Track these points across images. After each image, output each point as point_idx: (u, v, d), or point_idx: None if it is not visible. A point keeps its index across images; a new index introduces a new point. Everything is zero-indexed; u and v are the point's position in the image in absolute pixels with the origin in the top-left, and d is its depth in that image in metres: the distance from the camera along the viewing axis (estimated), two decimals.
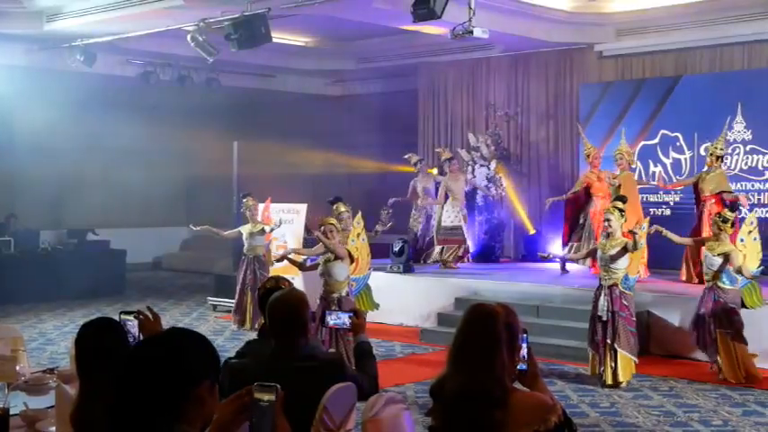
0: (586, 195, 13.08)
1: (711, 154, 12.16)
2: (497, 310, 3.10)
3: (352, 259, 9.66)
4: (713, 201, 11.75)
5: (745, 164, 13.15)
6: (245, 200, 12.93)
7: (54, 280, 15.35)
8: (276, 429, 2.51)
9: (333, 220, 9.65)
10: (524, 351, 3.15)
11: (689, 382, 9.34)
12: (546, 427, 2.82)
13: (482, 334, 3.01)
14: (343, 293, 9.46)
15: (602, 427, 7.72)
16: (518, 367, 3.10)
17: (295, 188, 16.01)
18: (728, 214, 9.53)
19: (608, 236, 9.24)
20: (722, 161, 12.22)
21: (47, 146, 17.03)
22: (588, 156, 13.10)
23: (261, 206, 13.28)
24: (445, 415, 3.01)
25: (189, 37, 12.92)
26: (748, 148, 13.15)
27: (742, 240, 9.72)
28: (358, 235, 10.29)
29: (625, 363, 9.06)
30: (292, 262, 10.98)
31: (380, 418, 3.99)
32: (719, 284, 9.30)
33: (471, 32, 10.97)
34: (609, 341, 9.01)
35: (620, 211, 9.25)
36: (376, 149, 17.79)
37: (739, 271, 9.27)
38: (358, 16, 13.43)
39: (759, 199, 13.03)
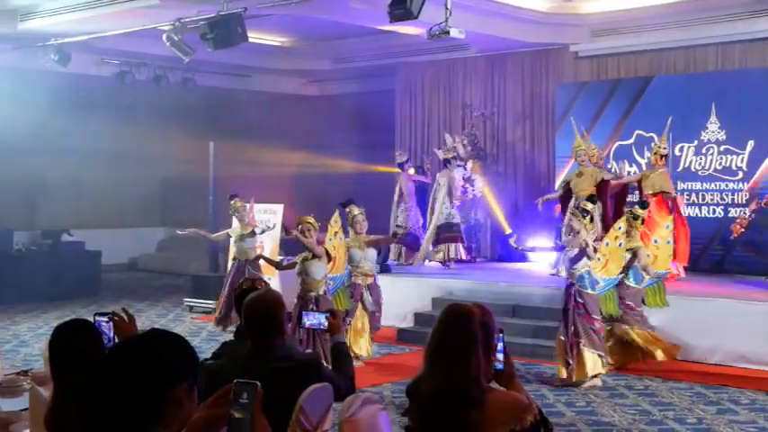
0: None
1: (655, 153, 12.33)
2: (473, 309, 3.11)
3: (329, 258, 9.67)
4: (654, 200, 11.87)
5: (720, 164, 13.24)
6: (232, 201, 12.52)
7: (28, 281, 15.22)
8: (255, 428, 2.50)
9: (310, 219, 9.67)
10: (500, 351, 3.15)
11: (664, 381, 9.40)
12: (522, 426, 2.83)
13: (458, 334, 3.02)
14: (321, 292, 9.49)
15: (578, 427, 7.75)
16: (494, 367, 3.10)
17: (272, 188, 15.96)
18: (639, 211, 9.72)
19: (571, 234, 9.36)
20: (666, 160, 12.46)
21: (21, 146, 16.90)
22: (578, 156, 12.93)
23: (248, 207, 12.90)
24: (421, 415, 3.01)
25: (164, 36, 12.85)
26: (722, 148, 13.24)
27: (656, 242, 9.87)
28: (335, 234, 10.27)
29: (588, 361, 9.07)
30: (269, 261, 10.99)
31: (357, 419, 3.99)
32: (624, 281, 9.55)
33: (448, 33, 10.99)
34: (562, 338, 9.11)
35: (584, 211, 9.25)
36: (353, 149, 17.78)
37: (645, 269, 9.50)
38: (334, 16, 13.42)
39: (733, 199, 13.13)
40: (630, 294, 9.68)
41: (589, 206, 9.41)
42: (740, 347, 9.96)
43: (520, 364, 9.40)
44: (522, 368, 9.53)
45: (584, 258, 9.04)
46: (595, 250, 9.06)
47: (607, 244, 9.42)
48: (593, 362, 9.07)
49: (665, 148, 12.31)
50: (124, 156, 19.12)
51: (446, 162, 14.67)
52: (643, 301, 9.87)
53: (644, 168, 13.57)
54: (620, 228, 9.53)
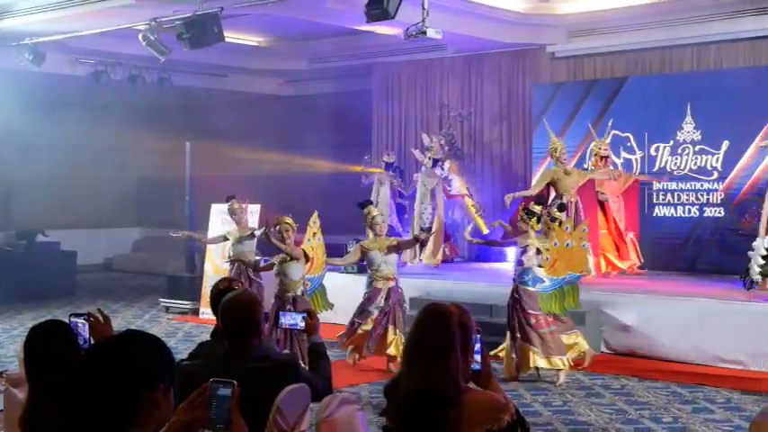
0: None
1: (596, 154, 12.46)
2: (451, 309, 3.11)
3: (307, 259, 9.66)
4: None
5: (695, 164, 13.33)
6: (229, 203, 12.04)
7: (2, 282, 15.11)
8: (232, 426, 2.50)
9: (288, 220, 9.63)
10: (478, 352, 3.15)
11: (640, 380, 9.45)
12: (499, 425, 2.83)
13: (436, 333, 3.02)
14: (299, 293, 9.48)
15: (554, 426, 7.77)
16: (471, 367, 3.10)
17: (249, 189, 15.90)
18: (556, 213, 9.72)
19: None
20: (607, 162, 12.75)
21: None
22: (596, 154, 12.91)
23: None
24: (399, 415, 3.01)
25: (140, 36, 12.79)
26: (697, 148, 13.33)
27: (566, 245, 9.70)
28: (314, 234, 10.24)
29: (528, 355, 9.21)
30: (246, 264, 10.99)
31: (334, 419, 3.98)
32: (522, 285, 9.39)
33: (425, 33, 11.00)
34: (508, 333, 9.41)
35: (529, 213, 9.39)
36: (330, 150, 17.76)
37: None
38: (311, 16, 13.40)
39: (708, 199, 13.21)
40: (530, 299, 9.73)
41: (557, 214, 9.66)
42: (715, 347, 10.03)
43: (497, 364, 9.43)
44: (499, 368, 9.55)
45: (526, 257, 9.31)
46: (543, 251, 9.28)
47: (555, 244, 9.50)
48: (532, 357, 9.20)
49: (605, 150, 12.52)
50: (100, 156, 19.02)
51: (435, 162, 14.81)
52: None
53: (620, 168, 13.64)
54: (567, 228, 9.62)
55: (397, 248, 10.09)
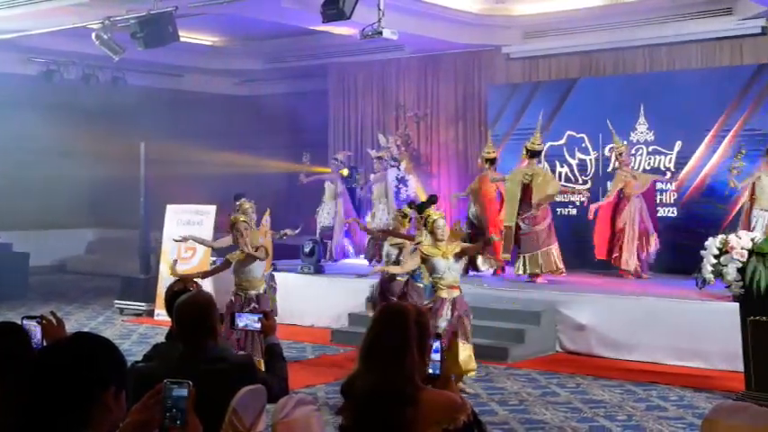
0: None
1: (620, 154, 12.59)
2: (408, 308, 3.11)
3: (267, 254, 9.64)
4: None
5: (648, 164, 13.47)
6: (238, 202, 10.95)
7: None
8: (187, 427, 2.48)
9: (243, 218, 9.57)
10: (436, 351, 3.16)
11: (595, 379, 9.53)
12: (455, 425, 2.84)
13: (393, 332, 3.02)
14: (261, 291, 9.39)
15: (511, 425, 7.81)
16: (429, 371, 3.10)
17: (204, 189, 15.82)
18: (407, 210, 10.20)
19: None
20: (625, 161, 12.76)
21: None
22: (620, 154, 12.83)
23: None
24: (356, 413, 3.01)
25: (94, 35, 12.63)
26: (651, 149, 13.48)
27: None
28: (265, 233, 10.22)
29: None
30: (195, 275, 10.78)
31: (291, 420, 3.97)
32: (411, 281, 9.97)
33: (381, 33, 11.00)
34: None
35: (404, 215, 9.95)
36: (286, 150, 17.71)
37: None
38: (266, 16, 13.35)
39: (661, 198, 13.35)
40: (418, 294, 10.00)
41: (408, 210, 10.21)
42: (669, 345, 10.15)
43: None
44: None
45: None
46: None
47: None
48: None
49: (539, 144, 12.67)
50: (52, 156, 18.76)
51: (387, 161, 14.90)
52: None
53: (575, 169, 13.79)
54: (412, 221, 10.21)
55: (463, 254, 9.15)
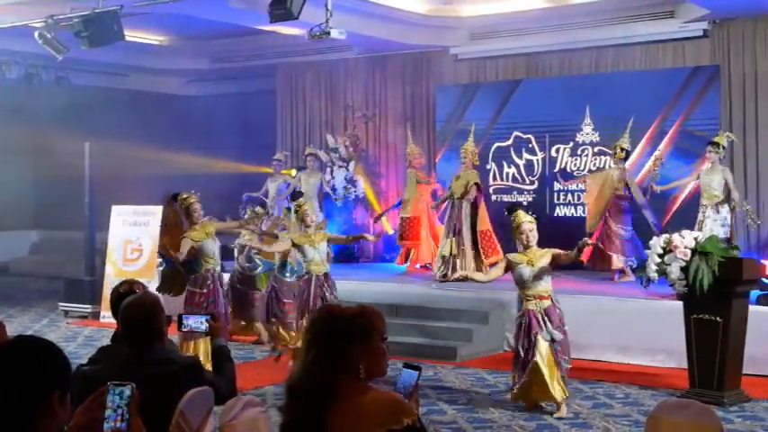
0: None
1: (464, 157, 12.77)
2: (341, 309, 3.13)
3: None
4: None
5: (594, 165, 13.63)
6: (295, 202, 10.18)
7: None
8: (131, 429, 2.46)
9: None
10: (407, 382, 3.20)
11: None
12: (399, 426, 2.84)
13: (324, 333, 3.04)
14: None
15: (459, 424, 7.85)
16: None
17: (150, 189, 15.65)
18: (259, 210, 11.09)
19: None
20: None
21: None
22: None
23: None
24: (291, 412, 3.03)
25: (36, 34, 12.42)
26: (596, 149, 13.65)
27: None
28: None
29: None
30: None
31: (238, 422, 3.95)
32: (278, 275, 10.74)
33: (328, 33, 10.98)
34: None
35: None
36: (234, 150, 17.62)
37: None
38: (213, 15, 13.26)
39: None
40: (285, 290, 10.71)
41: (260, 210, 11.03)
42: (614, 343, 10.27)
43: (402, 364, 9.46)
44: None
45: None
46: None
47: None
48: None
49: (473, 153, 12.91)
50: None
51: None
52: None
53: (522, 170, 13.91)
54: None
55: (555, 262, 8.22)
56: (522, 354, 8.11)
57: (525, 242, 8.16)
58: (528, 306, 8.14)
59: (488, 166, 14.22)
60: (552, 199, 13.96)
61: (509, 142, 14.36)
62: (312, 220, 9.77)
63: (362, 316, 3.11)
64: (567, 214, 13.73)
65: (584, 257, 11.82)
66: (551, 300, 8.13)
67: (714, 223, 10.95)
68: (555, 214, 13.89)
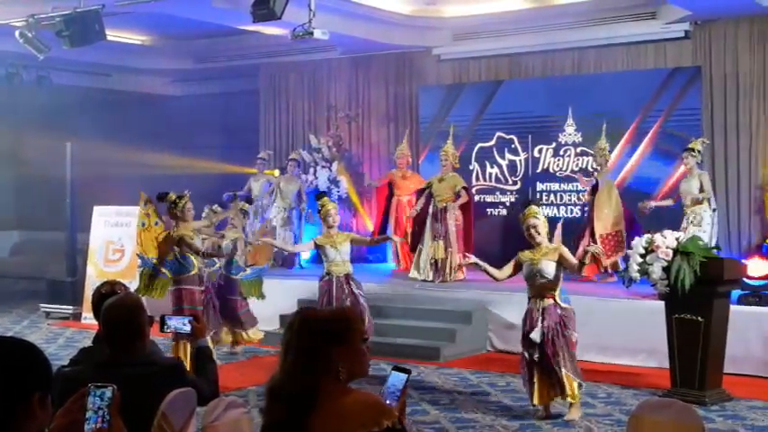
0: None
1: (445, 159, 12.78)
2: (322, 312, 3.15)
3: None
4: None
5: (576, 165, 13.67)
6: (320, 200, 9.88)
7: None
8: (112, 431, 2.45)
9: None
10: (392, 391, 3.19)
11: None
12: (379, 428, 2.85)
13: (303, 334, 3.05)
14: None
15: (442, 424, 7.85)
16: (386, 401, 3.13)
17: (132, 190, 15.57)
18: (245, 206, 11.47)
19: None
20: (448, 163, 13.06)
21: None
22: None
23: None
24: (271, 414, 3.04)
25: (17, 33, 12.35)
26: (579, 150, 13.68)
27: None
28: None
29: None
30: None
31: (220, 423, 3.94)
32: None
33: (311, 34, 10.97)
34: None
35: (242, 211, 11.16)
36: (217, 150, 17.57)
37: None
38: (196, 15, 13.22)
39: (584, 196, 13.54)
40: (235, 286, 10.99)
41: (246, 206, 11.31)
42: (596, 343, 10.28)
43: (385, 364, 9.47)
44: (387, 368, 9.60)
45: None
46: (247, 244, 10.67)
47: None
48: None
49: (453, 155, 13.01)
50: None
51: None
52: (241, 293, 11.11)
53: (504, 170, 13.96)
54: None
55: (563, 263, 7.98)
56: (524, 354, 8.07)
57: (529, 238, 7.99)
58: (528, 305, 8.10)
59: (471, 167, 14.24)
60: (535, 198, 13.97)
61: (492, 143, 14.39)
62: (335, 220, 9.62)
63: (340, 317, 3.12)
64: (550, 215, 13.75)
65: (589, 273, 11.65)
66: (554, 300, 7.93)
67: (697, 228, 10.96)
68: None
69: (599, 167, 12.39)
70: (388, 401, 3.13)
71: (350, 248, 9.72)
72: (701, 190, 11.21)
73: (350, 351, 3.04)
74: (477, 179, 14.38)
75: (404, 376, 3.23)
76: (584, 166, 13.54)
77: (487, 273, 8.31)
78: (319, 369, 2.98)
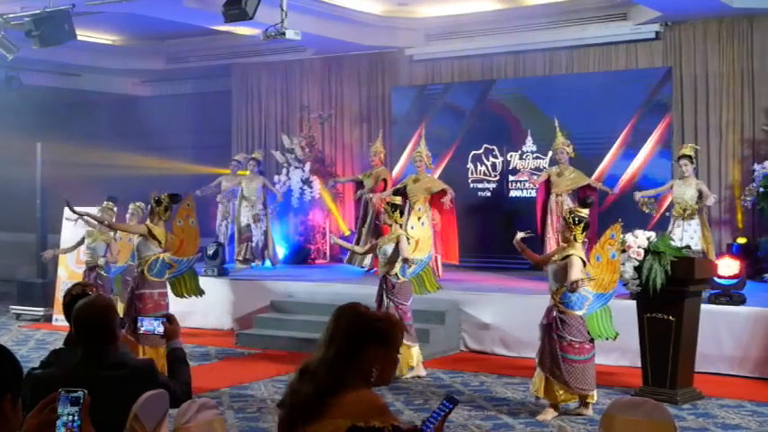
0: None
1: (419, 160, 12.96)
2: (365, 310, 3.23)
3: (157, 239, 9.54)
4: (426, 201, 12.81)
5: (548, 165, 13.78)
6: (391, 202, 10.09)
7: None
8: None
9: (141, 204, 9.71)
10: (438, 416, 3.25)
11: (498, 377, 9.66)
12: (365, 425, 2.86)
13: (350, 330, 3.13)
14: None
15: (416, 424, 7.84)
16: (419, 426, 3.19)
17: (104, 190, 15.47)
18: (396, 200, 10.29)
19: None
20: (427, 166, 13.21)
21: None
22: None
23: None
24: (295, 395, 3.13)
25: None
26: (534, 155, 13.99)
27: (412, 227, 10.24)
28: (187, 216, 10.02)
29: (406, 353, 9.44)
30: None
31: (193, 425, 3.92)
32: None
33: (284, 34, 10.95)
34: None
35: (393, 206, 9.77)
36: (189, 151, 17.48)
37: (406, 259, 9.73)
38: (168, 15, 13.15)
39: None
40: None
41: (398, 200, 10.13)
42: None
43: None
44: None
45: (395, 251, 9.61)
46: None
47: (412, 227, 9.97)
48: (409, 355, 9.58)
49: (427, 156, 13.02)
50: None
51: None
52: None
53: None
54: (419, 209, 10.37)
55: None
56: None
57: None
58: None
59: (468, 166, 14.58)
60: (508, 186, 14.31)
61: (481, 151, 14.56)
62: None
63: (387, 322, 3.20)
64: (519, 195, 14.15)
65: None
66: (553, 299, 8.16)
67: (685, 234, 11.03)
68: (510, 195, 14.32)
69: (561, 162, 12.47)
70: (429, 422, 3.25)
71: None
72: (699, 198, 11.17)
73: (387, 356, 3.11)
74: (472, 174, 14.67)
75: (449, 405, 3.30)
76: (537, 166, 13.77)
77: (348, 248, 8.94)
78: (356, 365, 3.04)
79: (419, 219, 10.12)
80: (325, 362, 3.06)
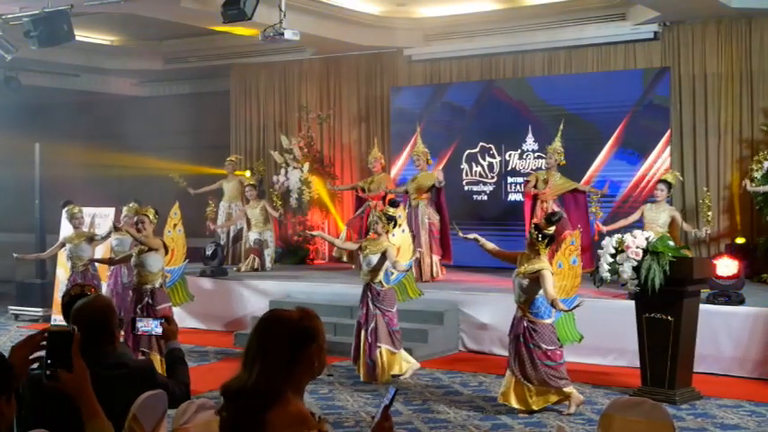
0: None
1: (417, 159, 12.96)
2: (285, 314, 3.18)
3: (166, 250, 9.54)
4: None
5: (534, 165, 13.87)
6: (68, 208, 11.15)
7: None
8: (73, 370, 2.46)
9: (148, 211, 9.57)
10: (386, 404, 3.26)
11: (497, 377, 9.64)
12: None
13: (280, 338, 3.09)
14: (157, 285, 9.38)
15: (414, 424, 7.86)
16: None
17: (103, 191, 15.50)
18: (391, 211, 10.12)
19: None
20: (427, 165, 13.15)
21: None
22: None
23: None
24: (225, 412, 3.08)
25: None
26: (536, 154, 13.96)
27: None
28: (174, 226, 10.12)
29: (389, 359, 9.47)
30: (100, 261, 10.99)
31: (192, 426, 3.92)
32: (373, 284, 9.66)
33: (282, 34, 10.95)
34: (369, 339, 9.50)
35: (389, 218, 9.74)
36: (187, 151, 17.48)
37: (395, 265, 9.58)
38: (166, 15, 13.14)
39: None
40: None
41: (391, 211, 9.96)
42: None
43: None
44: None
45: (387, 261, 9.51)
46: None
47: (393, 235, 9.89)
48: (395, 359, 9.58)
49: (425, 154, 13.04)
50: None
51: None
52: None
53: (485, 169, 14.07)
54: (399, 216, 10.14)
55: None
56: None
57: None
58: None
59: (462, 166, 14.53)
60: (506, 188, 14.28)
61: (476, 150, 14.52)
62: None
63: (308, 317, 3.20)
64: (516, 199, 14.06)
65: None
66: (521, 310, 8.24)
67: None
68: (508, 199, 14.29)
69: (549, 167, 12.40)
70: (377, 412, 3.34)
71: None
72: (671, 225, 11.01)
73: (320, 347, 3.12)
74: (467, 175, 14.65)
75: (392, 391, 3.32)
76: (539, 166, 13.70)
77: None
78: (295, 371, 3.03)
79: (399, 226, 10.12)
80: (265, 375, 3.00)
